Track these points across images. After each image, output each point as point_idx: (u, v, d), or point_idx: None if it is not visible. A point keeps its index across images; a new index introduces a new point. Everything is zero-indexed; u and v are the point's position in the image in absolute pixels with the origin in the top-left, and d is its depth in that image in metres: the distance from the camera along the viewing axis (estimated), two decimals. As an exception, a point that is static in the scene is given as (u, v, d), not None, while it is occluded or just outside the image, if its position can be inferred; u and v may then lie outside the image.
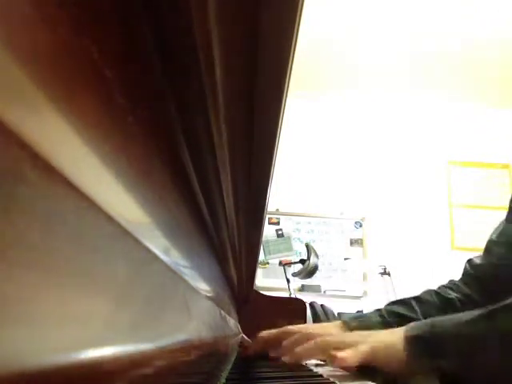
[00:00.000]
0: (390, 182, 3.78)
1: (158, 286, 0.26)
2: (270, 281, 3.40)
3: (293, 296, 2.58)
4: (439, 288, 0.85)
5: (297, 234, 3.66)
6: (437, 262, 3.54)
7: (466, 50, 3.23)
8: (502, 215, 0.86)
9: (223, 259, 0.59)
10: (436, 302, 0.81)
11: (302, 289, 3.48)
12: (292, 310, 1.42)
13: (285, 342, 0.69)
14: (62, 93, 0.12)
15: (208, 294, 0.51)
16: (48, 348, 0.12)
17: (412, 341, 0.57)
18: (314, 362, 0.72)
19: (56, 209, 0.12)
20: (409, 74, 3.55)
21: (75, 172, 0.13)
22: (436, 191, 3.81)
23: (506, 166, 3.87)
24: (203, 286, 0.46)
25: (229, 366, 0.65)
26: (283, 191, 3.50)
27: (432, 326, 0.57)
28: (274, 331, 0.76)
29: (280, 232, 3.47)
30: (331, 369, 0.65)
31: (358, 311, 3.34)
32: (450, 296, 0.82)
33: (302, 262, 2.58)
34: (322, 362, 0.71)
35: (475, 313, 0.54)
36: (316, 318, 2.26)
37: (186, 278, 0.35)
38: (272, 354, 0.70)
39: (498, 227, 0.83)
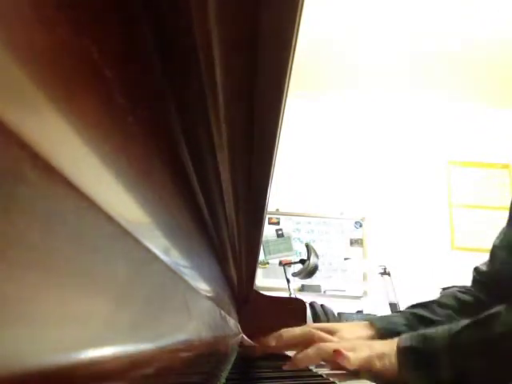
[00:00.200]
0: (389, 182, 3.78)
1: (158, 286, 0.26)
2: (269, 281, 3.40)
3: (293, 296, 2.58)
4: (457, 293, 0.86)
5: (297, 234, 3.66)
6: (437, 262, 3.55)
7: (466, 49, 3.23)
8: (502, 215, 0.86)
9: (223, 259, 0.59)
10: (455, 305, 0.81)
11: (302, 289, 3.48)
12: (292, 309, 1.42)
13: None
14: (62, 93, 0.12)
15: (208, 294, 0.51)
16: (48, 348, 0.12)
17: (404, 352, 0.58)
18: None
19: (56, 209, 0.12)
20: (409, 73, 3.55)
21: (75, 172, 0.13)
22: (436, 191, 3.81)
23: (506, 166, 3.87)
24: (203, 286, 0.46)
25: (229, 366, 0.65)
26: (283, 191, 3.50)
27: (424, 337, 0.58)
28: (296, 333, 0.72)
29: (280, 232, 3.47)
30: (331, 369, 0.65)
31: (358, 311, 3.34)
32: (466, 300, 0.82)
33: (302, 261, 2.58)
34: (322, 363, 0.71)
35: (463, 322, 0.55)
36: (316, 318, 2.26)
37: (186, 277, 0.35)
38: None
39: (501, 232, 0.83)
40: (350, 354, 0.59)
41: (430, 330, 0.59)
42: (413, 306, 0.82)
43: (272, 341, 0.74)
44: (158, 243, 0.24)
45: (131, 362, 0.18)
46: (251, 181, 0.36)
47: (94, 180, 0.15)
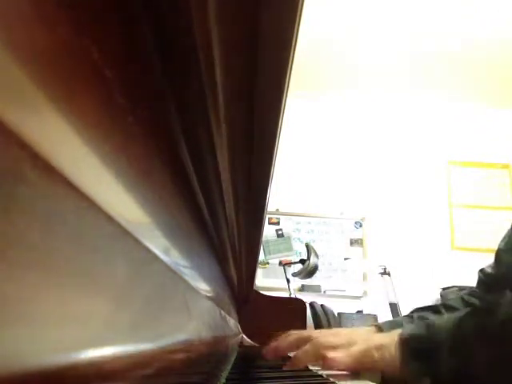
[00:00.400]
0: (389, 182, 3.78)
1: (158, 286, 0.26)
2: (269, 281, 3.40)
3: (293, 296, 2.58)
4: (463, 295, 0.85)
5: (297, 234, 3.66)
6: (437, 262, 3.55)
7: (466, 49, 3.23)
8: (502, 215, 0.86)
9: (223, 259, 0.59)
10: (462, 308, 0.81)
11: (302, 289, 3.48)
12: (292, 309, 1.42)
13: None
14: (62, 93, 0.12)
15: (208, 294, 0.51)
16: (48, 348, 0.12)
17: (407, 342, 0.57)
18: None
19: (56, 209, 0.12)
20: (409, 73, 3.56)
21: (75, 172, 0.13)
22: (436, 191, 3.81)
23: (506, 166, 3.87)
24: (203, 286, 0.46)
25: (229, 366, 0.65)
26: (283, 191, 3.50)
27: (426, 327, 0.57)
28: (294, 337, 0.70)
29: (280, 232, 3.47)
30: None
31: (358, 311, 3.34)
32: (473, 302, 0.82)
33: (302, 262, 2.58)
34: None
35: (466, 311, 0.54)
36: (316, 318, 2.26)
37: (186, 277, 0.35)
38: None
39: (506, 235, 0.83)
40: (339, 353, 0.58)
41: (433, 318, 0.58)
42: (420, 309, 0.81)
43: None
44: (158, 243, 0.24)
45: (131, 362, 0.18)
46: (251, 181, 0.36)
47: (94, 180, 0.15)
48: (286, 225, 3.69)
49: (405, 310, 2.80)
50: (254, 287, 1.22)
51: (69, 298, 0.13)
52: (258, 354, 0.77)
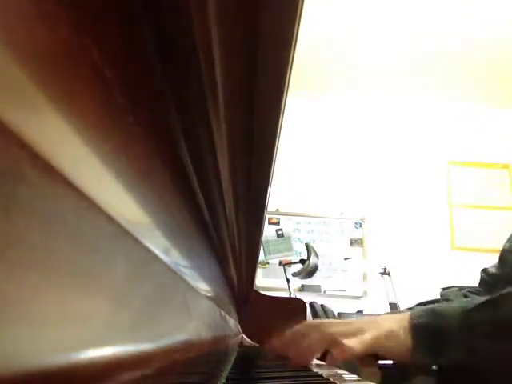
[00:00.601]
0: (389, 182, 3.77)
1: (158, 286, 0.26)
2: (269, 281, 3.40)
3: (293, 296, 2.58)
4: (466, 292, 0.85)
5: (297, 234, 3.65)
6: (437, 262, 3.55)
7: (466, 49, 3.23)
8: (502, 215, 0.86)
9: (223, 259, 0.59)
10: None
11: (302, 289, 3.48)
12: (292, 309, 1.42)
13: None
14: (62, 93, 0.12)
15: (208, 294, 0.51)
16: (48, 348, 0.12)
17: (417, 328, 0.57)
18: (314, 362, 0.72)
19: (56, 209, 0.12)
20: (409, 74, 3.55)
21: (75, 172, 0.13)
22: (436, 191, 3.81)
23: (506, 166, 3.87)
24: (203, 286, 0.46)
25: (229, 366, 0.65)
26: (283, 191, 3.50)
27: (437, 313, 0.57)
28: (303, 326, 0.67)
29: (280, 232, 3.47)
30: (331, 369, 0.65)
31: (358, 311, 3.34)
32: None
33: (302, 262, 2.58)
34: (322, 363, 0.71)
35: (477, 301, 0.54)
36: (316, 318, 2.26)
37: (186, 277, 0.35)
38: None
39: (511, 236, 0.83)
40: (352, 341, 0.58)
41: (442, 307, 0.58)
42: (423, 304, 0.81)
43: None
44: (158, 243, 0.24)
45: (131, 362, 0.18)
46: (251, 181, 0.36)
47: (94, 180, 0.15)
48: (286, 225, 3.69)
49: (405, 310, 2.79)
50: (254, 287, 1.22)
51: (69, 298, 0.13)
52: (258, 354, 0.77)
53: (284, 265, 2.76)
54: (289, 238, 2.92)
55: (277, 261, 3.20)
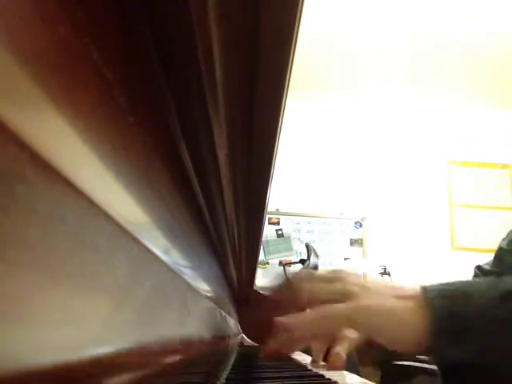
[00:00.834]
0: (389, 182, 3.77)
1: (158, 286, 0.26)
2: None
3: (293, 296, 2.57)
4: None
5: (297, 234, 3.65)
6: (437, 262, 3.54)
7: (466, 50, 3.23)
8: (502, 215, 0.86)
9: (223, 259, 0.59)
10: None
11: (302, 289, 3.47)
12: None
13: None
14: (62, 93, 0.12)
15: (208, 294, 0.51)
16: (48, 348, 0.12)
17: (440, 311, 0.42)
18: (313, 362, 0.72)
19: (56, 208, 0.12)
20: (409, 74, 3.55)
21: (75, 172, 0.13)
22: (436, 191, 3.81)
23: (506, 166, 3.87)
24: (203, 286, 0.46)
25: (229, 366, 0.65)
26: (283, 191, 3.49)
27: (464, 293, 0.43)
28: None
29: (280, 232, 3.47)
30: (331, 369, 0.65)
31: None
32: None
33: (302, 262, 2.58)
34: (323, 363, 0.71)
35: (499, 288, 0.41)
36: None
37: (186, 277, 0.35)
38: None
39: (509, 234, 0.82)
40: (339, 348, 0.56)
41: (468, 283, 0.45)
42: None
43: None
44: (158, 243, 0.24)
45: (131, 362, 0.18)
46: (251, 181, 0.36)
47: (94, 180, 0.15)
48: (286, 225, 3.68)
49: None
50: (254, 287, 1.22)
51: (69, 298, 0.13)
52: (258, 354, 0.77)
53: (284, 265, 2.76)
54: (289, 238, 2.92)
55: (277, 261, 3.20)
